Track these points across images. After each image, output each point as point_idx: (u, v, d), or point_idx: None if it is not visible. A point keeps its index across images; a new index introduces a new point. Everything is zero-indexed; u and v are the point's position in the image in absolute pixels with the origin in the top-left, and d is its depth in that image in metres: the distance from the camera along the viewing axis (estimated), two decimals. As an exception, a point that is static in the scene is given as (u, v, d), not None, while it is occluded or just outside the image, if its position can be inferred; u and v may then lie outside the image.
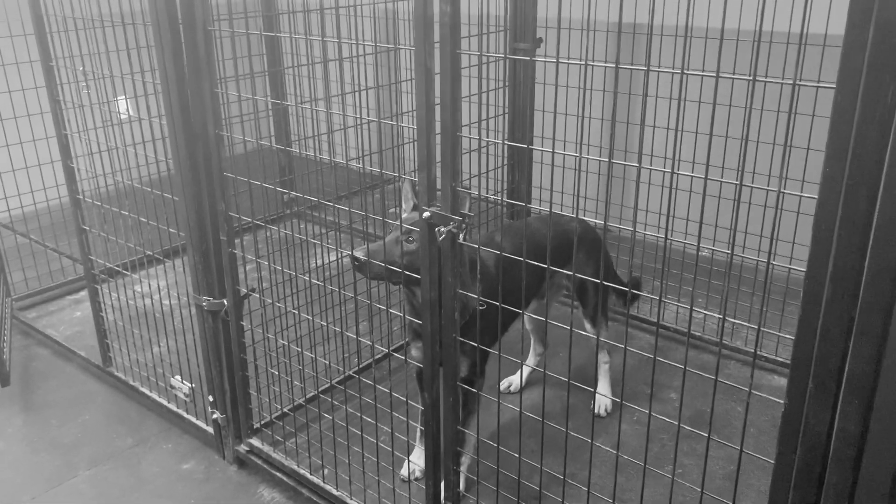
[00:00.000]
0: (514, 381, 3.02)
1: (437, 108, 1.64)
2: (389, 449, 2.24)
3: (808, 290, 1.19)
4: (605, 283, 2.78)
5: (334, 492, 2.28)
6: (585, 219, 2.17)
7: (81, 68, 2.57)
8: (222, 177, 2.24)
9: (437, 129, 1.65)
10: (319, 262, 2.64)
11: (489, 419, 2.54)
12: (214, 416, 2.57)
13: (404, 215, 2.08)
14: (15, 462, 2.66)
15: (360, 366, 2.75)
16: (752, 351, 3.16)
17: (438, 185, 1.70)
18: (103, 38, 2.51)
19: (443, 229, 1.65)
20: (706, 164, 1.33)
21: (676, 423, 1.57)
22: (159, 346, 2.98)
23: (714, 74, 1.24)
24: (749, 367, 3.12)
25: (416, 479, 2.40)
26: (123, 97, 2.72)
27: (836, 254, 1.13)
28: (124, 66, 2.49)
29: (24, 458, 2.67)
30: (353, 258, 1.95)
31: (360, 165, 1.99)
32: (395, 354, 2.28)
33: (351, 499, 2.24)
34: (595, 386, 2.88)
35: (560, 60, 1.49)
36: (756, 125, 2.97)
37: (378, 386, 2.10)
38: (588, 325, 2.77)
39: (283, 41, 4.46)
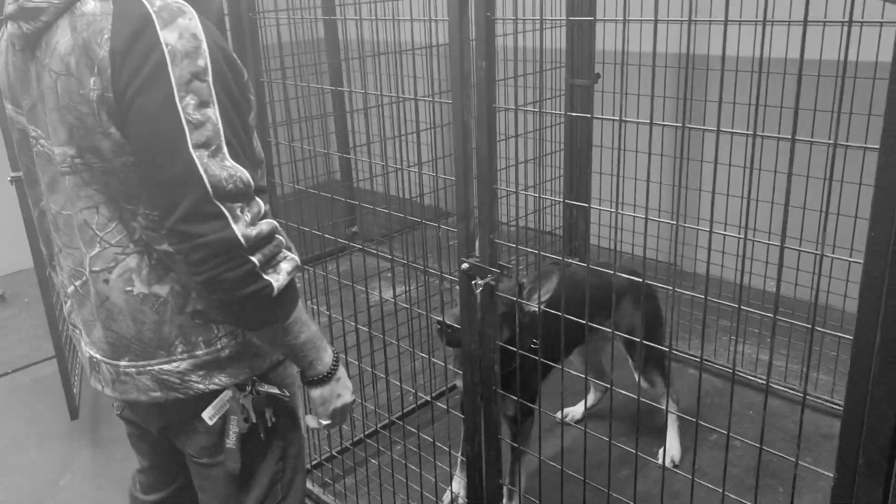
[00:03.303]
0: (570, 412, 2.96)
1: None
2: (433, 498, 2.21)
3: (856, 360, 1.11)
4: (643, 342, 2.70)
5: (382, 538, 2.27)
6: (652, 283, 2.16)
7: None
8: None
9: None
10: (374, 299, 2.63)
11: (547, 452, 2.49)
12: (267, 455, 2.60)
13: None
14: (79, 497, 2.75)
15: (403, 411, 2.74)
16: (827, 398, 3.03)
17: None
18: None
19: (480, 281, 1.63)
20: (783, 226, 1.27)
21: (738, 472, 1.50)
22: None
23: (789, 138, 1.19)
24: (822, 414, 2.97)
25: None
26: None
27: (884, 323, 1.06)
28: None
29: (87, 493, 2.76)
30: (443, 324, 1.95)
31: (392, 211, 2.00)
32: (437, 403, 2.27)
33: (398, 546, 2.23)
34: (655, 434, 2.79)
35: (601, 118, 1.46)
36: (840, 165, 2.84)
37: (424, 435, 2.09)
38: (639, 379, 2.67)
39: (345, 81, 4.55)
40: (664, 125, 1.39)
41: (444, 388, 2.75)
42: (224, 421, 1.44)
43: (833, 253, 1.21)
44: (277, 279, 1.25)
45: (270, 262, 1.25)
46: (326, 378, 1.44)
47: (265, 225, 1.24)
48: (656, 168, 3.46)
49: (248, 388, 1.44)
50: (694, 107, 3.79)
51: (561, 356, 1.94)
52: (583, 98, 3.41)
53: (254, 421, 1.45)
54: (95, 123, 1.22)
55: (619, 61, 3.40)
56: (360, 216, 4.73)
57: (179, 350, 1.37)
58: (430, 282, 3.62)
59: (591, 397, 3.03)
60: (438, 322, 1.98)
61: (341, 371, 1.47)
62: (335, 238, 2.27)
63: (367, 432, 2.58)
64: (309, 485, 2.54)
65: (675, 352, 3.30)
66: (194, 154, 1.17)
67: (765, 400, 1.40)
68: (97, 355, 1.42)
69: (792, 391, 3.07)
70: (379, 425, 2.50)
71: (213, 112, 1.19)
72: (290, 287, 1.29)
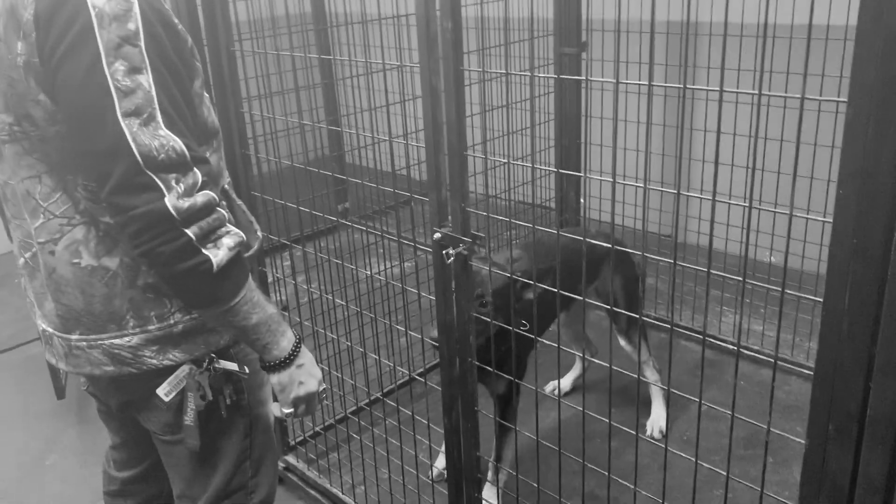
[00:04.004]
0: (558, 384, 2.94)
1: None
2: (415, 472, 2.20)
3: (826, 324, 1.08)
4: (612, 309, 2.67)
5: (365, 512, 2.26)
6: (624, 249, 2.13)
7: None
8: (250, 195, 2.25)
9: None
10: (364, 274, 2.57)
11: (530, 426, 2.48)
12: (252, 431, 2.59)
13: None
14: (65, 474, 2.74)
15: (383, 390, 2.71)
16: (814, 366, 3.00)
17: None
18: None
19: (451, 251, 1.60)
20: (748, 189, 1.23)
21: (728, 443, 1.47)
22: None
23: (756, 92, 1.14)
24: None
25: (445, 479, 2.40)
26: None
27: (852, 284, 1.02)
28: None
29: (73, 471, 2.76)
30: (431, 340, 1.89)
31: (374, 183, 1.96)
32: (418, 378, 2.24)
33: (381, 520, 2.22)
34: (641, 406, 2.77)
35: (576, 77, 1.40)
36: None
37: (404, 409, 2.07)
38: (623, 342, 2.66)
39: (335, 52, 4.49)
40: (616, 82, 1.34)
41: (423, 368, 2.73)
42: (182, 397, 1.41)
43: (805, 215, 1.17)
44: (217, 254, 1.20)
45: (209, 237, 1.20)
46: (285, 363, 1.38)
47: (201, 197, 1.19)
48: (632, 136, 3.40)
49: (205, 365, 1.40)
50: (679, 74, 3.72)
51: (531, 332, 1.91)
52: (571, 67, 3.35)
53: (210, 398, 1.42)
54: (26, 90, 1.18)
55: (608, 28, 3.33)
56: (349, 191, 4.70)
57: (131, 324, 1.34)
58: (419, 256, 3.59)
59: (579, 367, 3.01)
60: (430, 339, 1.91)
61: (304, 358, 1.42)
62: (310, 213, 2.23)
63: (350, 410, 2.55)
64: (293, 461, 2.53)
65: (653, 321, 3.27)
66: (123, 123, 1.12)
67: (736, 363, 1.36)
68: (49, 328, 1.39)
69: (782, 360, 3.04)
70: (363, 402, 2.46)
71: (146, 79, 1.14)
72: (233, 264, 1.24)
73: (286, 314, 2.37)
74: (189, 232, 1.18)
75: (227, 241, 1.23)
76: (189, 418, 1.42)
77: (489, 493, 2.35)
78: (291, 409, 1.44)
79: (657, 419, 2.77)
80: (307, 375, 1.43)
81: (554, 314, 2.59)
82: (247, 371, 1.46)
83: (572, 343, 2.96)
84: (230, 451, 1.53)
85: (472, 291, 1.70)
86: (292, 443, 2.56)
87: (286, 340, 1.38)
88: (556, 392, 2.93)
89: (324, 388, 1.48)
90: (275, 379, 1.40)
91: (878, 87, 0.94)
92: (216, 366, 1.42)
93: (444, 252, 1.61)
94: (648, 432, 2.74)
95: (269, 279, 2.37)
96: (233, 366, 1.44)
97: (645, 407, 2.80)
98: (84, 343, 1.35)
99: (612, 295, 2.59)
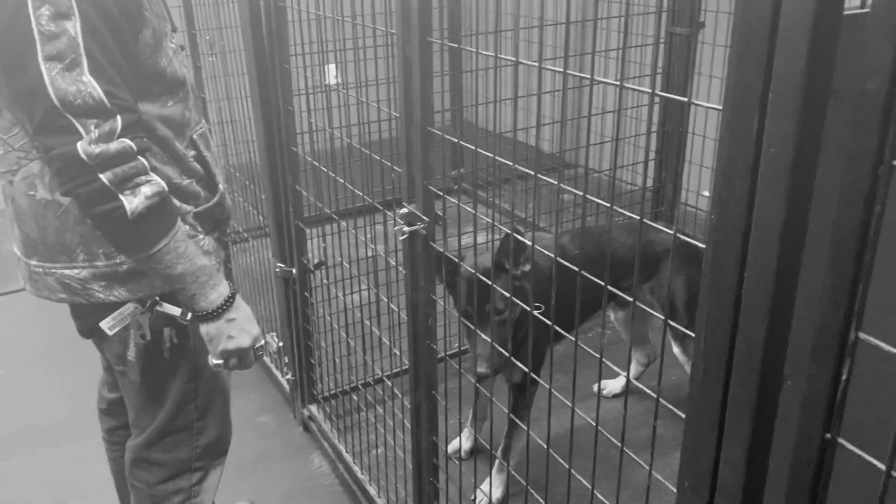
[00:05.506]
0: (608, 385, 2.80)
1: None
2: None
3: (694, 364, 0.93)
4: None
5: (359, 474, 2.29)
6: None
7: (208, 38, 2.77)
8: (290, 152, 2.30)
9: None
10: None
11: (560, 423, 2.36)
12: (287, 376, 2.69)
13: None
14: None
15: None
16: None
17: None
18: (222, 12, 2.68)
19: (405, 229, 1.55)
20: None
21: None
22: (260, 304, 3.08)
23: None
24: None
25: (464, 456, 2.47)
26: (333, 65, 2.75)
27: (708, 324, 0.88)
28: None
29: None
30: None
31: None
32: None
33: (369, 484, 2.24)
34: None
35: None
36: None
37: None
38: (676, 350, 2.45)
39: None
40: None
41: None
42: (128, 334, 1.49)
43: None
44: (132, 202, 1.25)
45: (126, 184, 1.24)
46: (212, 316, 1.41)
47: (116, 144, 1.23)
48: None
49: (147, 305, 1.47)
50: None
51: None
52: (682, 49, 3.09)
53: (149, 339, 1.48)
54: None
55: (723, 10, 3.03)
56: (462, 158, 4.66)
57: (81, 258, 1.42)
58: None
59: (633, 370, 2.83)
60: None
61: (237, 313, 1.44)
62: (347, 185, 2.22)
63: (379, 377, 2.55)
64: (316, 412, 2.60)
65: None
66: (43, 66, 1.18)
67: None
68: (17, 252, 1.51)
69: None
70: (394, 371, 2.41)
71: (73, 25, 1.19)
72: (153, 212, 1.28)
73: (312, 272, 2.41)
74: (103, 177, 1.23)
75: (146, 190, 1.27)
76: (131, 354, 1.50)
77: (497, 481, 2.30)
78: (220, 361, 1.48)
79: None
80: (238, 331, 1.45)
81: (588, 309, 2.45)
82: (188, 317, 1.51)
83: (633, 345, 2.78)
84: (173, 391, 1.60)
85: (433, 271, 1.64)
86: (318, 396, 2.63)
87: (216, 294, 1.41)
88: (605, 391, 2.79)
89: (260, 346, 1.51)
90: (203, 329, 1.44)
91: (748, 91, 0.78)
92: (158, 308, 1.49)
93: (395, 228, 1.56)
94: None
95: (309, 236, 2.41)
96: (175, 310, 1.50)
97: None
98: (40, 270, 1.46)
99: (679, 297, 2.39)
